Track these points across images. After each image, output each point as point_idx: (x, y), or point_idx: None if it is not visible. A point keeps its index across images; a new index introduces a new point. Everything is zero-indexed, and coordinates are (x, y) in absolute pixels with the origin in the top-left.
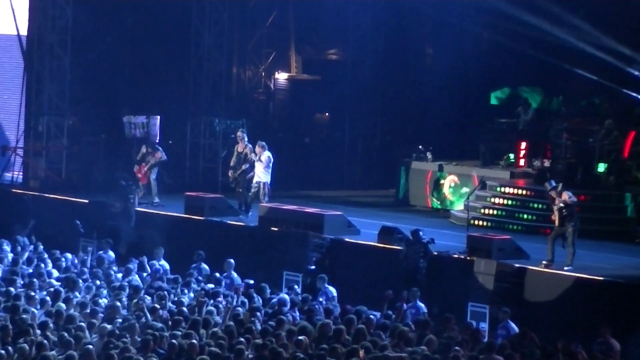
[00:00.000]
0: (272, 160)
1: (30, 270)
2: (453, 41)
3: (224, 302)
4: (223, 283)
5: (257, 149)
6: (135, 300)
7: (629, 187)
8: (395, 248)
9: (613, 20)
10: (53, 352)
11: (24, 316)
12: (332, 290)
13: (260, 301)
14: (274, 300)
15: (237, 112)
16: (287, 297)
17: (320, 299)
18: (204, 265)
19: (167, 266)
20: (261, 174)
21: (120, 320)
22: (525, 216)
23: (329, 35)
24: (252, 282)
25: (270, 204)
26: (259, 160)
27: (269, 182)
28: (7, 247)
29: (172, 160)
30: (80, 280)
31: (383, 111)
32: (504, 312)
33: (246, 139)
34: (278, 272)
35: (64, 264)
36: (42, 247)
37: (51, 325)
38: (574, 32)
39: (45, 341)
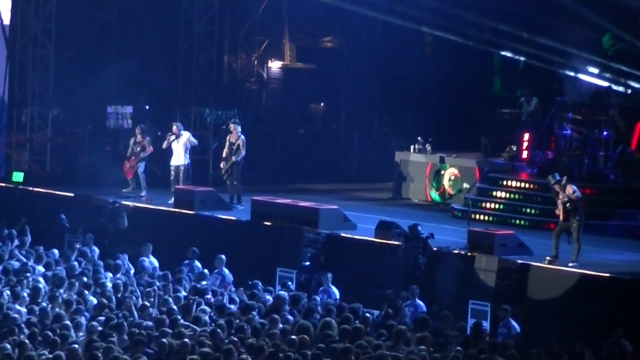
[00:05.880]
0: (194, 142)
1: (17, 266)
2: (453, 28)
3: (212, 300)
4: (215, 280)
5: (175, 129)
6: (123, 298)
7: (636, 180)
8: (393, 243)
9: None
10: (38, 352)
11: (15, 315)
12: (336, 291)
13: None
14: (268, 297)
15: (229, 102)
16: (285, 294)
17: (318, 297)
18: (197, 263)
19: (156, 263)
20: (181, 156)
21: (103, 318)
22: (528, 210)
23: (324, 22)
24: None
25: (263, 197)
26: (177, 140)
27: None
28: None
29: (160, 153)
30: (66, 278)
31: (380, 101)
32: (504, 311)
33: (239, 129)
34: (271, 269)
35: (49, 260)
36: (29, 242)
37: (38, 324)
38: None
39: (27, 341)
